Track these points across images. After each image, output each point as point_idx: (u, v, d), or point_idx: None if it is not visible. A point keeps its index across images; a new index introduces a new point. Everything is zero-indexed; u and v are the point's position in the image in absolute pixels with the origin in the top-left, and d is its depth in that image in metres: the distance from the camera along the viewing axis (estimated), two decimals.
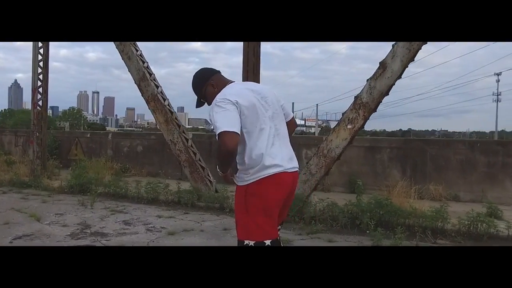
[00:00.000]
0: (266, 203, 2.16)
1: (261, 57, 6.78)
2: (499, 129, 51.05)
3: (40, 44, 9.44)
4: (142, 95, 7.70)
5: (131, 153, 11.96)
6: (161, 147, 11.24)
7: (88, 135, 13.58)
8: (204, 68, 2.49)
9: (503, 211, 6.30)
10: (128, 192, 7.39)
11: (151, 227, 5.34)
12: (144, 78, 7.64)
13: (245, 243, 2.18)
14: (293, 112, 2.57)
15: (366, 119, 5.93)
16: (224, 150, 2.03)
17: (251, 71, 6.63)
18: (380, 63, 5.80)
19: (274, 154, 2.18)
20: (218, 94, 2.20)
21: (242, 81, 6.60)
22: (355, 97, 5.97)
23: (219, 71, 2.44)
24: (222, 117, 2.05)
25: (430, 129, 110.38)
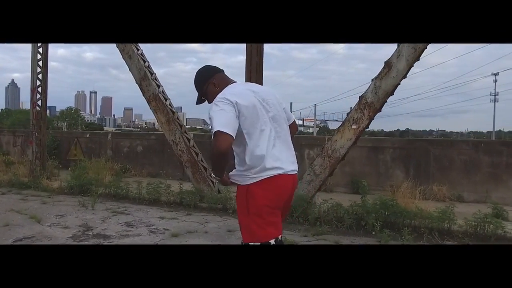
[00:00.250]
0: (268, 203, 2.14)
1: None
2: (496, 129, 51.09)
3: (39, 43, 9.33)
4: (143, 95, 7.61)
5: (131, 153, 11.87)
6: (161, 148, 11.17)
7: (88, 135, 13.47)
8: (208, 65, 2.48)
9: (508, 211, 6.26)
10: (129, 193, 7.31)
11: (154, 228, 5.25)
12: (145, 78, 7.55)
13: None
14: (291, 112, 2.55)
15: (371, 119, 5.87)
16: (216, 150, 2.02)
17: (254, 70, 6.56)
18: (385, 62, 5.74)
19: (276, 156, 2.17)
20: (219, 94, 2.19)
21: (245, 80, 6.54)
22: (360, 97, 5.91)
23: (222, 70, 2.42)
24: (219, 117, 2.04)
25: (427, 129, 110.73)
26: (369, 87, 5.83)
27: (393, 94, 5.82)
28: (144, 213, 6.22)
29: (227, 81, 2.34)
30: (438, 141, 10.95)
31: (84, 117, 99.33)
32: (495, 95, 49.42)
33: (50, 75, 9.61)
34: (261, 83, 6.69)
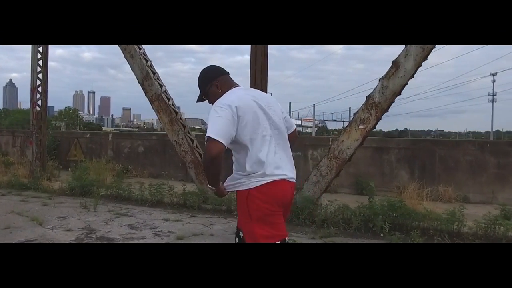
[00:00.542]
0: (270, 206, 2.12)
1: None
2: (494, 129, 51.15)
3: None
4: (145, 95, 7.50)
5: (132, 154, 11.75)
6: (162, 148, 11.06)
7: (88, 136, 13.33)
8: (214, 66, 2.44)
9: None
10: (132, 194, 7.19)
11: (159, 231, 5.15)
12: (147, 77, 7.44)
13: None
14: (290, 112, 2.53)
15: (378, 119, 5.79)
16: (207, 156, 2.04)
17: (259, 70, 6.47)
18: (392, 62, 5.66)
19: (277, 163, 2.16)
20: (220, 98, 2.18)
21: (250, 79, 6.48)
22: (367, 97, 5.82)
23: (228, 72, 2.38)
24: (215, 123, 2.04)
25: (426, 129, 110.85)
26: (376, 87, 5.74)
27: (400, 94, 5.73)
28: (147, 215, 6.11)
29: (231, 85, 2.31)
30: (443, 142, 10.87)
31: (83, 117, 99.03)
32: (493, 95, 49.44)
33: (48, 75, 9.48)
34: (266, 82, 6.61)
